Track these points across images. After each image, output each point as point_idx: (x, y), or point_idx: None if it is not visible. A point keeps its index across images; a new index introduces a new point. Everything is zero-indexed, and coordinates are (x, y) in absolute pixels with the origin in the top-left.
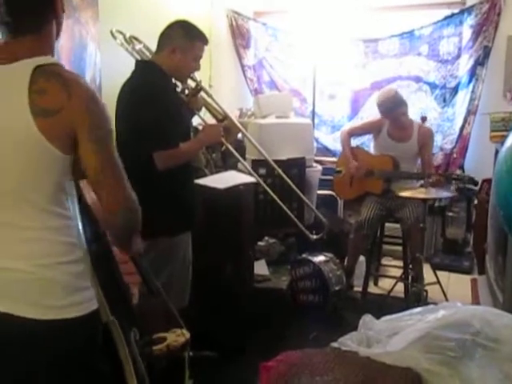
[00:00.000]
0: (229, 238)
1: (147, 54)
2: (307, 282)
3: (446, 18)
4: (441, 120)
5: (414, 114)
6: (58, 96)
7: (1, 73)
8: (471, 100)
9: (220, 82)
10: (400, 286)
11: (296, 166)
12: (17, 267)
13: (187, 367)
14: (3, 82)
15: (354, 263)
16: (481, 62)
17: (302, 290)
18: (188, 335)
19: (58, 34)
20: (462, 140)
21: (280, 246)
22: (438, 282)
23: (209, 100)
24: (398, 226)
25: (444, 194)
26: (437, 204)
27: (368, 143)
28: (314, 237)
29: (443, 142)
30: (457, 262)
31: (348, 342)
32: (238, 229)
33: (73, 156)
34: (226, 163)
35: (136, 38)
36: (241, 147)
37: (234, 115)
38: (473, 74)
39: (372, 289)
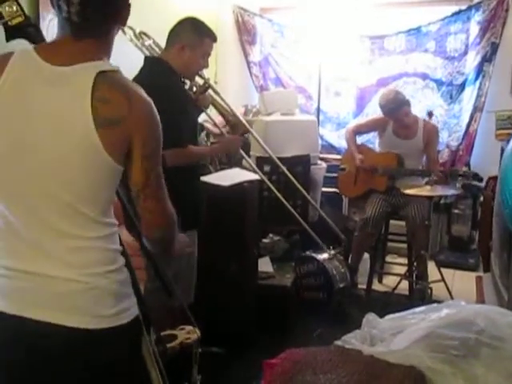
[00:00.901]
0: (233, 235)
1: (156, 50)
2: (311, 279)
3: (454, 14)
4: (447, 117)
5: (420, 111)
6: (121, 107)
7: (63, 75)
8: (478, 97)
9: (225, 79)
10: (404, 284)
11: (301, 164)
12: (69, 277)
13: (196, 363)
14: (66, 84)
15: (358, 261)
16: (488, 58)
17: (306, 287)
18: (199, 332)
19: None
20: (469, 137)
21: (284, 243)
22: (443, 279)
23: (216, 98)
24: (402, 223)
25: (449, 191)
26: (442, 201)
27: (373, 140)
28: (332, 252)
29: (449, 138)
30: (462, 260)
31: (352, 341)
32: (243, 226)
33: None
34: (231, 160)
35: (145, 34)
36: (245, 144)
37: (239, 112)
38: (480, 70)
39: (376, 286)
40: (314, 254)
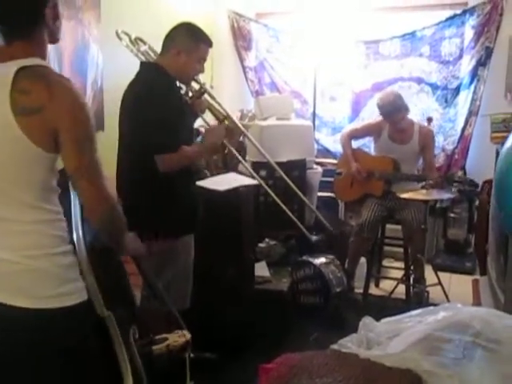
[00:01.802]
0: (229, 239)
1: (152, 55)
2: (308, 283)
3: (448, 18)
4: (442, 121)
5: (415, 115)
6: (40, 96)
7: None
8: (473, 101)
9: (221, 84)
10: (401, 288)
11: (296, 168)
12: (10, 259)
13: (188, 368)
14: None
15: (355, 266)
16: (482, 62)
17: (302, 291)
18: (189, 336)
19: (55, 39)
20: (464, 141)
21: (281, 247)
22: (440, 283)
23: (212, 102)
24: (399, 227)
25: (445, 195)
26: (438, 205)
27: (369, 144)
28: (314, 237)
29: (445, 142)
30: (458, 263)
31: (348, 344)
32: (239, 230)
33: (58, 156)
34: (227, 165)
35: (141, 40)
36: (242, 149)
37: (234, 116)
38: (474, 74)
39: (373, 290)
40: (310, 259)
